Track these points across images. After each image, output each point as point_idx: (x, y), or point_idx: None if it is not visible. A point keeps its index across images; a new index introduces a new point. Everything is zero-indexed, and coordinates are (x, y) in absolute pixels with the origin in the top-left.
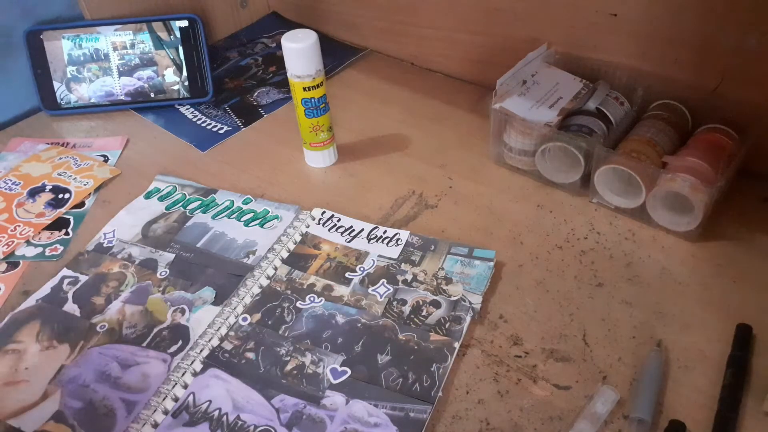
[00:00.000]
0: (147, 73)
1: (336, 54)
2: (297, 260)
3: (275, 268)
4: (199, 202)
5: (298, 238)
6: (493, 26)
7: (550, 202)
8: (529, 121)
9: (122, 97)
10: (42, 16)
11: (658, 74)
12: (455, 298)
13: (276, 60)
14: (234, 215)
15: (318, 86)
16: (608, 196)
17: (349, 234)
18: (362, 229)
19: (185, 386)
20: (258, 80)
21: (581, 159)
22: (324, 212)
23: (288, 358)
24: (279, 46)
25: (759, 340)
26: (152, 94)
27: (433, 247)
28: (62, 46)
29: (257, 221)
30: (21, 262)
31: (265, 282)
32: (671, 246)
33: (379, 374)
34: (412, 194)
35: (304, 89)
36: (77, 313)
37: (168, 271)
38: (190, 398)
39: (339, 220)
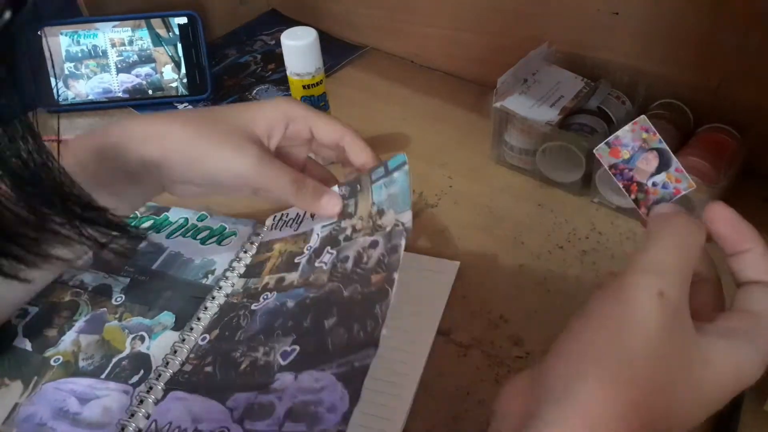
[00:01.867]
0: (145, 70)
1: (335, 52)
2: (252, 270)
3: (233, 285)
4: (152, 221)
5: (255, 251)
6: (494, 24)
7: (551, 201)
8: (530, 120)
9: (120, 94)
10: (40, 12)
11: (660, 73)
12: (389, 229)
13: (275, 57)
14: (189, 233)
15: (317, 84)
16: (609, 196)
17: (296, 222)
18: (305, 212)
19: (148, 416)
20: (257, 78)
21: (582, 158)
22: (275, 216)
23: (242, 359)
24: (278, 44)
25: None
26: (150, 92)
27: (359, 187)
28: (60, 43)
29: (214, 238)
30: None
31: (223, 300)
32: None
33: (327, 338)
34: (412, 193)
35: (304, 87)
36: (29, 347)
37: (123, 296)
38: (152, 426)
39: (287, 215)
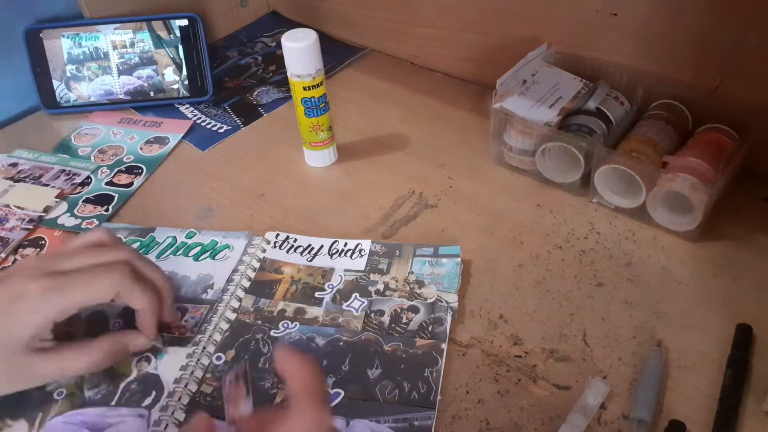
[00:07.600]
0: (147, 72)
1: (336, 53)
2: (261, 288)
3: (239, 299)
4: (138, 243)
5: (257, 265)
6: (493, 25)
7: (550, 201)
8: (529, 120)
9: (122, 96)
10: (41, 15)
11: (659, 74)
12: (431, 301)
13: (276, 59)
14: (180, 251)
15: (318, 86)
16: (608, 196)
17: (309, 253)
18: (321, 246)
19: None
20: (258, 79)
21: (581, 159)
22: (278, 234)
23: (275, 390)
24: (279, 46)
25: (759, 340)
26: (152, 93)
27: (397, 252)
28: (62, 45)
29: (207, 254)
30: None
31: (231, 315)
32: (671, 246)
33: (374, 389)
34: (412, 194)
35: (304, 88)
36: None
37: (121, 321)
38: None
39: (295, 240)
